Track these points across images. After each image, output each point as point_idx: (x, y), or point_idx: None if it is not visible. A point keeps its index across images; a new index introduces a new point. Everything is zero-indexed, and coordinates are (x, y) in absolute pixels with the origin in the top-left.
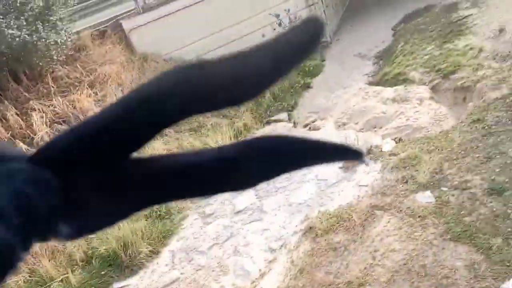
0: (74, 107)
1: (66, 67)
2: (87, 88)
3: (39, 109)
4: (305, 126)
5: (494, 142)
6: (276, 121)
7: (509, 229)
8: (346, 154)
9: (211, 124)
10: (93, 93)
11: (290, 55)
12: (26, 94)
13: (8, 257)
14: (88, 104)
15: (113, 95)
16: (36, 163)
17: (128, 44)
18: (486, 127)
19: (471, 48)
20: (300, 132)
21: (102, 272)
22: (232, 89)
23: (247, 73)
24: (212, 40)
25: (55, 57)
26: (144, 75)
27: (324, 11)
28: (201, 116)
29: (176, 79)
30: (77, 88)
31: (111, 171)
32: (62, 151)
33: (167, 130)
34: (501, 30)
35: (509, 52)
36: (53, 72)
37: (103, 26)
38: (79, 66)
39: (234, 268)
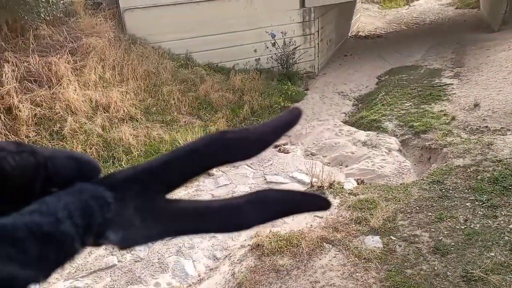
0: (50, 70)
1: (52, 28)
2: (67, 54)
3: (12, 62)
4: (276, 147)
5: (448, 206)
6: None
7: None
8: (317, 202)
9: (185, 121)
10: (73, 60)
11: (280, 130)
12: (3, 44)
13: (69, 247)
14: (64, 70)
15: (93, 68)
16: (102, 184)
17: (119, 23)
18: (444, 190)
19: (445, 114)
20: (269, 152)
21: None
22: (245, 149)
23: (255, 140)
24: (204, 42)
25: (42, 15)
26: (129, 56)
27: (318, 43)
28: (179, 114)
29: (211, 139)
30: (57, 52)
31: (151, 201)
32: (122, 180)
33: (138, 117)
34: (476, 105)
35: (479, 127)
36: (36, 29)
37: None
38: (64, 31)
39: (174, 268)
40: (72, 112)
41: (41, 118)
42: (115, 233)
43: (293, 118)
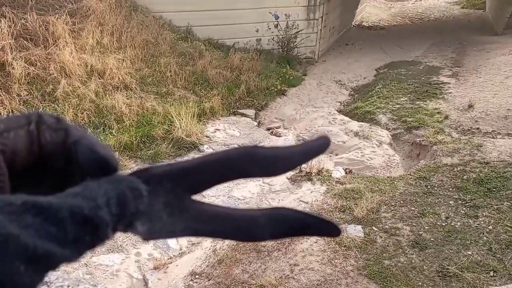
0: (47, 29)
1: None
2: (66, 15)
3: (9, 18)
4: (268, 129)
5: (432, 202)
6: (242, 114)
7: (420, 283)
8: (329, 228)
9: (179, 95)
10: (71, 22)
11: (308, 155)
12: None
13: (103, 232)
14: (61, 31)
15: (91, 32)
16: (139, 177)
17: None
18: (429, 187)
19: (438, 112)
20: (261, 134)
21: None
22: (272, 166)
23: (283, 160)
24: (206, 16)
25: None
26: (129, 23)
27: (321, 29)
28: (174, 88)
29: (244, 151)
30: (56, 11)
31: (180, 199)
32: (157, 175)
33: (133, 86)
34: (470, 106)
35: (470, 128)
36: None
37: None
38: None
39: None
40: (66, 75)
41: (34, 78)
42: (142, 224)
43: (323, 145)
